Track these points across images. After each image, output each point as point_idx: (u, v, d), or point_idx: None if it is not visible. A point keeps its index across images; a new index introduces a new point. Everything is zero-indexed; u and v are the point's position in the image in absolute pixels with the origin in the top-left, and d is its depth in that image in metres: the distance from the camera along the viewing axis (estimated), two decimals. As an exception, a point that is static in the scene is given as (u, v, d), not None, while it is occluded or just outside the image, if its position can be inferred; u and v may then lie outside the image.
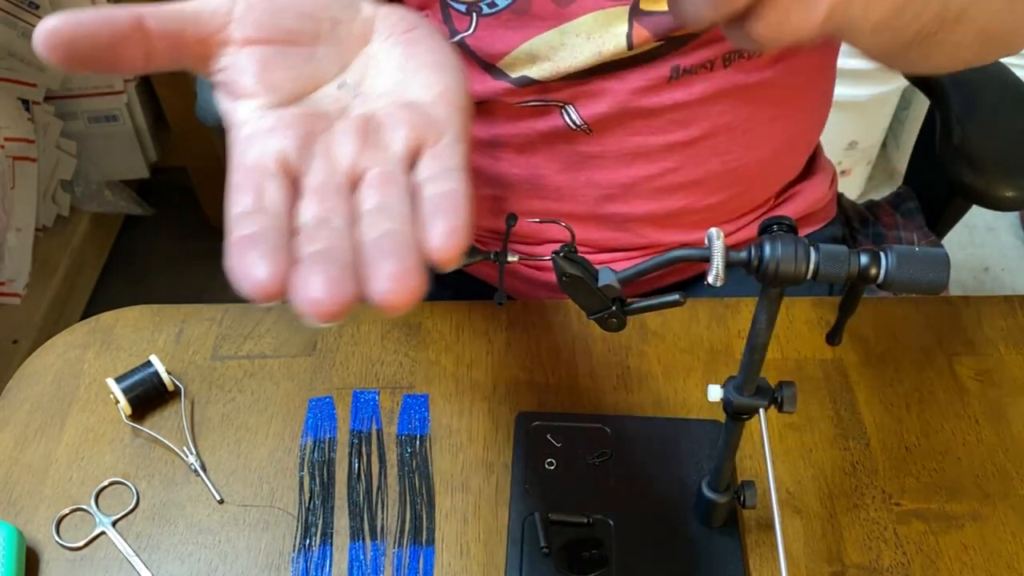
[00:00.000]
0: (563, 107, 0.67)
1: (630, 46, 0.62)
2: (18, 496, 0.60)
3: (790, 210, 0.80)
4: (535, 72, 0.65)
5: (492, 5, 0.63)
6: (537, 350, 0.68)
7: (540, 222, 0.72)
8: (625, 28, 0.61)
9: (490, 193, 0.74)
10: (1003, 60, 0.91)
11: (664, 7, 0.61)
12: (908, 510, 0.59)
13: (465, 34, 0.64)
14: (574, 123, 0.68)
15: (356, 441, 0.63)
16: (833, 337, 0.51)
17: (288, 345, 0.68)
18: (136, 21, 0.36)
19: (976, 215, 1.05)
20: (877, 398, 0.65)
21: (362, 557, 0.57)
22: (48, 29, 0.34)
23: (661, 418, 0.64)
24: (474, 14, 0.64)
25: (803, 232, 0.82)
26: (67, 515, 0.59)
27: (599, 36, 0.62)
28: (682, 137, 0.69)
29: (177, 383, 0.65)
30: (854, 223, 0.93)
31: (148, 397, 0.64)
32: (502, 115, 0.69)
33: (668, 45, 0.63)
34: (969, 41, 0.49)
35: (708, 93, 0.66)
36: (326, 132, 0.37)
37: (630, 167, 0.70)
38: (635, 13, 0.61)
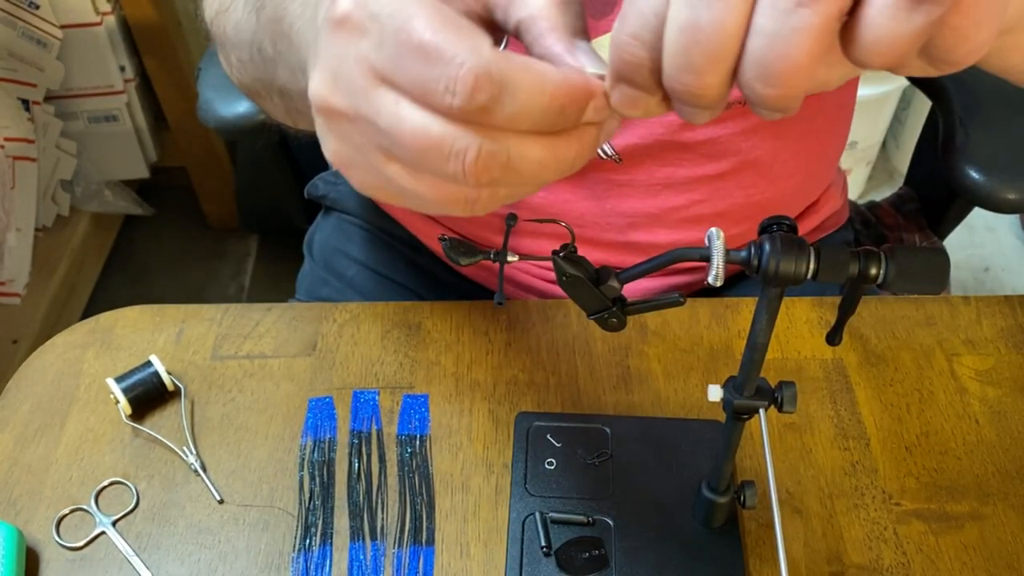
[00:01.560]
0: None
1: None
2: (18, 496, 0.60)
3: (806, 226, 0.80)
4: None
5: None
6: (537, 350, 0.68)
7: (540, 222, 0.72)
8: None
9: (503, 214, 0.74)
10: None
11: None
12: (908, 510, 0.59)
13: None
14: (605, 153, 0.68)
15: (356, 441, 0.63)
16: (833, 337, 0.51)
17: (288, 345, 0.68)
18: None
19: (976, 215, 1.05)
20: (877, 398, 0.65)
21: (362, 557, 0.57)
22: None
23: (661, 418, 0.64)
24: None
25: (816, 239, 0.82)
26: (67, 515, 0.59)
27: None
28: (711, 170, 0.69)
29: (177, 383, 0.65)
30: (856, 224, 0.93)
31: (148, 397, 0.64)
32: None
33: None
34: None
35: (740, 129, 0.67)
36: None
37: (657, 197, 0.70)
38: None
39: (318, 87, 0.35)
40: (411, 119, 0.33)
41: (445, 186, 0.34)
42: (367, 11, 0.33)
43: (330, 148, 0.37)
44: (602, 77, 0.33)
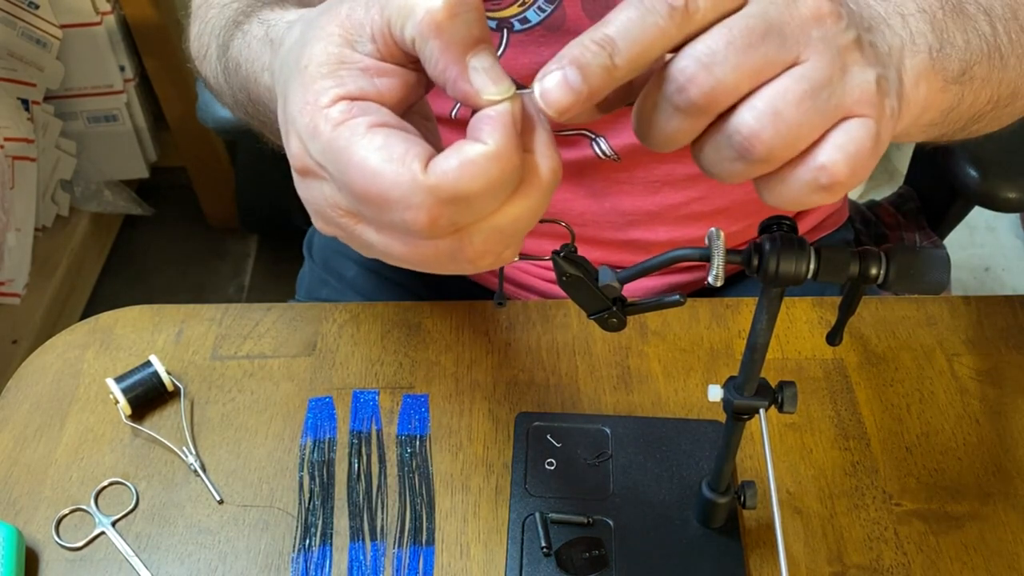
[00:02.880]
0: (594, 138, 0.67)
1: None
2: (18, 496, 0.60)
3: (806, 224, 0.80)
4: None
5: (524, 21, 0.62)
6: (537, 350, 0.68)
7: (540, 221, 0.72)
8: None
9: None
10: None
11: None
12: (908, 510, 0.59)
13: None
14: (603, 153, 0.68)
15: (356, 441, 0.63)
16: (833, 337, 0.51)
17: (288, 345, 0.68)
18: None
19: (977, 215, 1.05)
20: (877, 398, 0.65)
21: (362, 557, 0.57)
22: None
23: (661, 418, 0.64)
24: (505, 31, 0.63)
25: (816, 238, 0.82)
26: (67, 515, 0.59)
27: None
28: None
29: (177, 383, 0.65)
30: (856, 223, 0.93)
31: (148, 397, 0.64)
32: None
33: None
34: (1021, 109, 0.49)
35: None
36: None
37: (656, 195, 0.71)
38: None
39: (315, 223, 0.38)
40: (396, 247, 0.35)
41: (455, 269, 0.36)
42: (314, 160, 0.34)
43: (353, 248, 0.38)
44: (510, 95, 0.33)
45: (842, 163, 0.32)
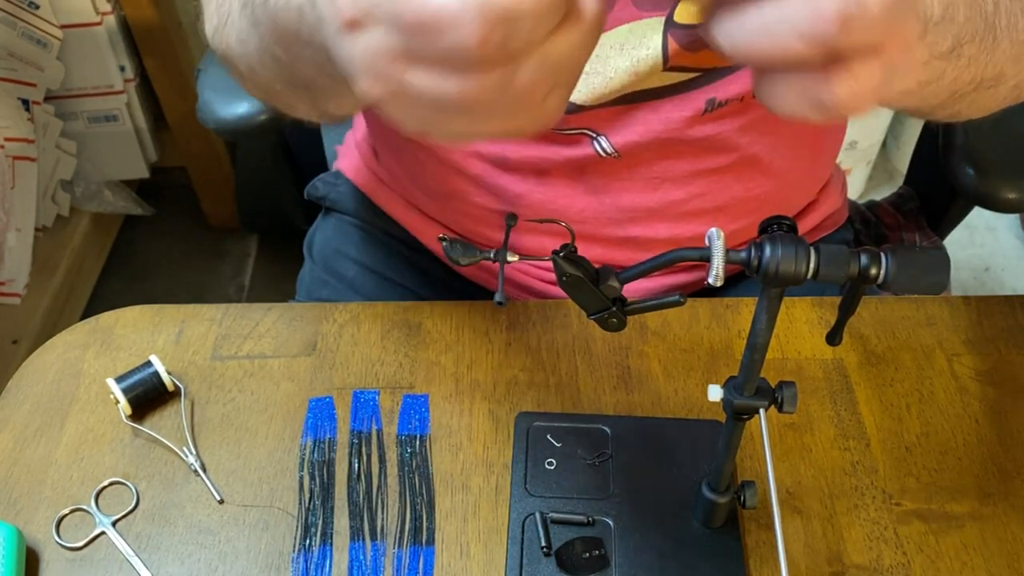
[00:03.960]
0: (595, 137, 0.67)
1: (665, 60, 0.62)
2: (18, 496, 0.60)
3: (806, 225, 0.80)
4: (572, 94, 0.64)
5: None
6: (537, 350, 0.68)
7: (540, 222, 0.72)
8: (659, 40, 0.61)
9: (502, 210, 0.73)
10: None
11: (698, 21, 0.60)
12: (908, 510, 0.59)
13: None
14: (604, 151, 0.68)
15: (356, 441, 0.63)
16: (833, 337, 0.51)
17: (288, 345, 0.68)
18: None
19: (976, 215, 1.06)
20: (877, 398, 0.65)
21: (362, 557, 0.57)
22: None
23: (661, 418, 0.64)
24: None
25: (816, 238, 0.82)
26: (67, 515, 0.59)
27: (633, 47, 0.61)
28: (710, 164, 0.69)
29: (177, 383, 0.65)
30: (856, 223, 0.93)
31: (148, 397, 0.64)
32: (533, 139, 0.69)
33: (705, 77, 0.63)
34: (1004, 95, 0.49)
35: (738, 125, 0.67)
36: None
37: (656, 192, 0.71)
38: (669, 25, 0.61)
39: (363, 87, 0.37)
40: (447, 86, 0.34)
41: (506, 113, 0.35)
42: (363, 7, 0.34)
43: (404, 125, 0.38)
44: None
45: (846, 93, 0.32)
